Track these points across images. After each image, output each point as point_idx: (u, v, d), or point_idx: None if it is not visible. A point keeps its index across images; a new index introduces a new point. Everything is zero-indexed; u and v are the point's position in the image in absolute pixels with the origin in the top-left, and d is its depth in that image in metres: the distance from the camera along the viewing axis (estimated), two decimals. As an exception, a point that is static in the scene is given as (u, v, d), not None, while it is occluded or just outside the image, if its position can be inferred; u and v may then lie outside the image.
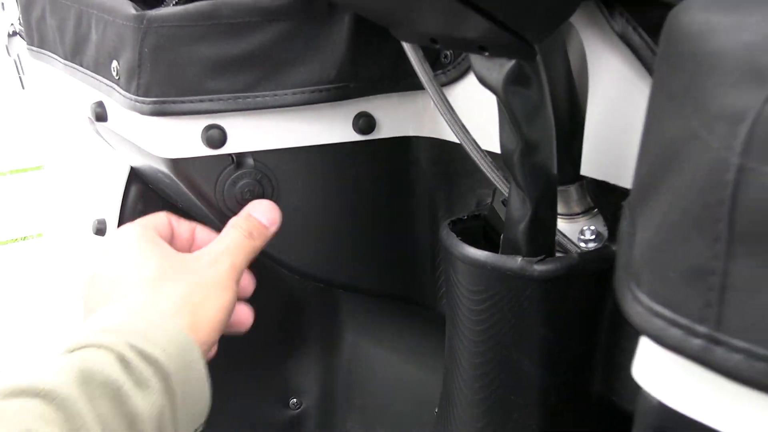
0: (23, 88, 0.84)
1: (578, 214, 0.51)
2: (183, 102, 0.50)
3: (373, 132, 0.56)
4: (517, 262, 0.45)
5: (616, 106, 0.45)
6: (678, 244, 0.22)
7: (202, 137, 0.51)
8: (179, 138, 0.51)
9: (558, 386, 0.48)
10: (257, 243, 0.49)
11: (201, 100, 0.50)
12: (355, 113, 0.55)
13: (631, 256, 0.25)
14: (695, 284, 0.21)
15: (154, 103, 0.50)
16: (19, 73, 0.82)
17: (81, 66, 0.60)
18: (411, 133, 0.58)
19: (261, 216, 0.50)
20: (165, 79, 0.50)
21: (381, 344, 0.81)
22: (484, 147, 0.49)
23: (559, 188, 0.48)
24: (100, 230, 0.72)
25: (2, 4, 0.80)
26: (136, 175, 0.70)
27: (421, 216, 0.61)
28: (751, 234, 0.20)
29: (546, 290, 0.45)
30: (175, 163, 0.53)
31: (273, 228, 0.50)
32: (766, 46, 0.20)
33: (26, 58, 0.74)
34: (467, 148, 0.49)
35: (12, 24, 0.79)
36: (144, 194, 0.71)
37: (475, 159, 0.49)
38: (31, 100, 0.85)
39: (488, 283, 0.47)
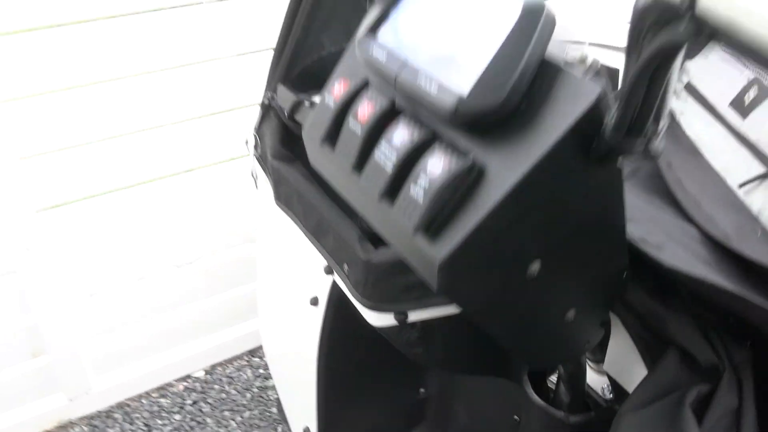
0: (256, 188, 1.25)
1: (605, 373, 0.91)
2: (385, 305, 0.91)
3: None
4: (560, 414, 0.87)
5: (623, 358, 0.84)
6: None
7: (395, 318, 0.93)
8: (382, 317, 0.93)
9: None
10: None
11: (397, 305, 0.91)
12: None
13: None
14: None
15: (370, 302, 0.92)
16: (255, 182, 1.23)
17: (320, 244, 1.01)
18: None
19: None
20: (380, 292, 0.91)
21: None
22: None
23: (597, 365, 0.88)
24: (314, 303, 1.16)
25: (246, 142, 1.20)
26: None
27: None
28: None
29: (574, 430, 0.87)
30: (377, 323, 0.95)
31: None
32: None
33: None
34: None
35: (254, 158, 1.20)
36: None
37: None
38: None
39: (542, 417, 0.89)
